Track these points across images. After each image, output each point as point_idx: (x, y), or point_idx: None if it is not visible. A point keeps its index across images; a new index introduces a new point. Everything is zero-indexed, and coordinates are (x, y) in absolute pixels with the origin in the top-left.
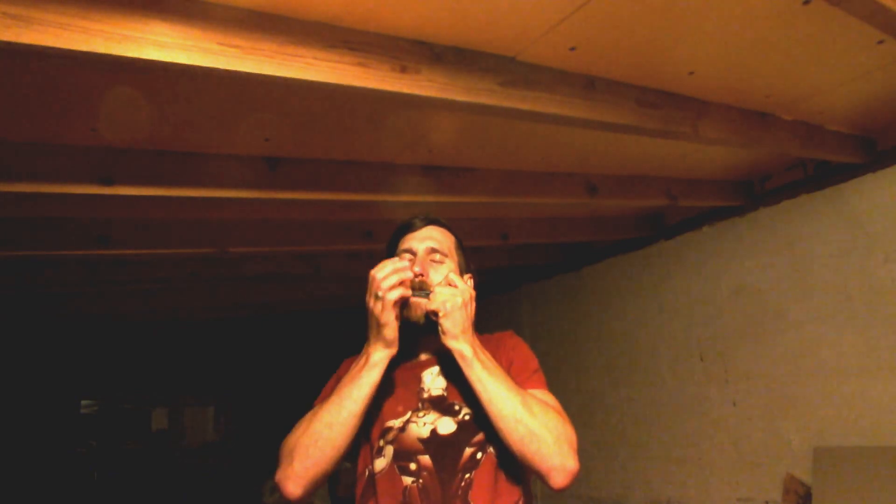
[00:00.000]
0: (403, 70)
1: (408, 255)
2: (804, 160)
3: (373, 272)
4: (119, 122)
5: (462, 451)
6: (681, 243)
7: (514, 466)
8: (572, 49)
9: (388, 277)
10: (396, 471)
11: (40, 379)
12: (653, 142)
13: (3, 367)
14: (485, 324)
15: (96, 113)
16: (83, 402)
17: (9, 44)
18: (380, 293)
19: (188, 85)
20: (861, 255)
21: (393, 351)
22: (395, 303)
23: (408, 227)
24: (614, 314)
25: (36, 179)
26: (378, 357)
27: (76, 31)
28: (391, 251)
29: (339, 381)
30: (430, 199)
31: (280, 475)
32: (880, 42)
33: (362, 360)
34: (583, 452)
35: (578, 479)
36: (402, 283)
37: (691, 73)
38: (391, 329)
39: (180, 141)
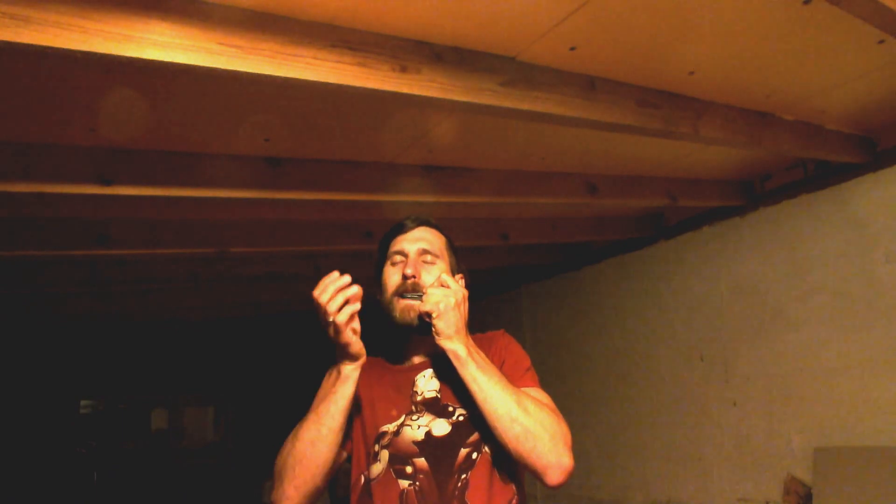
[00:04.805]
0: (403, 70)
1: (399, 257)
2: (804, 160)
3: (315, 294)
4: (119, 122)
5: (457, 452)
6: (681, 243)
7: (509, 465)
8: (572, 49)
9: (332, 300)
10: (392, 475)
11: (40, 379)
12: (653, 142)
13: (3, 367)
14: (485, 324)
15: (96, 113)
16: (83, 402)
17: (8, 43)
18: (329, 318)
19: (188, 85)
20: (861, 255)
21: (362, 360)
22: (349, 321)
23: (399, 229)
24: (614, 314)
25: (36, 179)
26: (349, 370)
27: (75, 31)
28: (383, 253)
29: None
30: (430, 199)
31: (275, 497)
32: (881, 42)
33: (334, 375)
34: (583, 452)
35: (578, 479)
36: (347, 301)
37: (692, 73)
38: (354, 345)
39: (180, 141)
